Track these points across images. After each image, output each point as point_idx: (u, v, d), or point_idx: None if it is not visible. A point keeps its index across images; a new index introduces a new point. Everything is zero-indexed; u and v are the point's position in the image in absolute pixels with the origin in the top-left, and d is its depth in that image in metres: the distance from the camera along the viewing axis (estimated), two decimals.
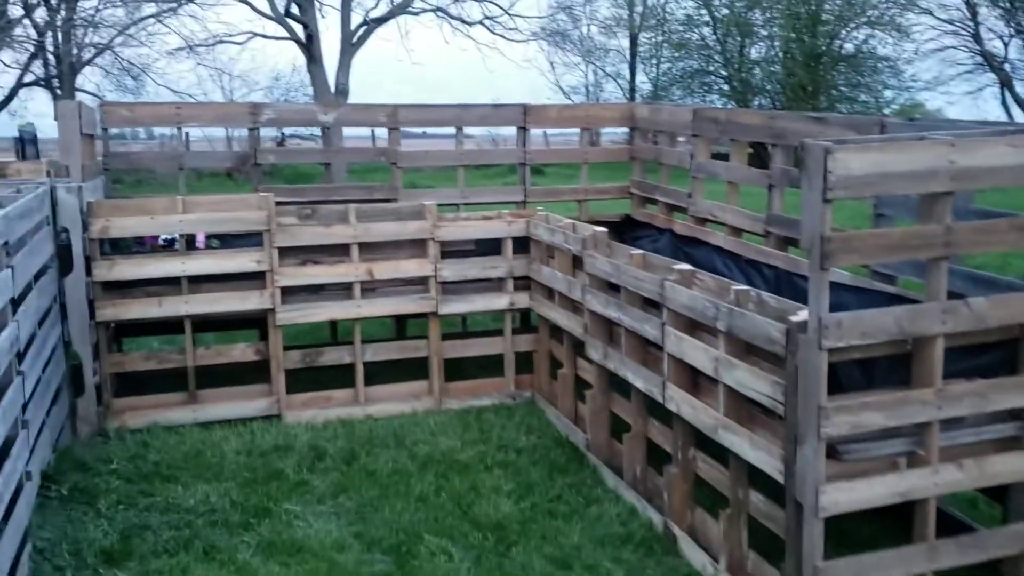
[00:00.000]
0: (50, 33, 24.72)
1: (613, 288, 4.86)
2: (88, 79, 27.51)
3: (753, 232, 5.70)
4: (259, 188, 6.57)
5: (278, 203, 6.34)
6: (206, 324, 6.00)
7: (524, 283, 6.13)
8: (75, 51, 25.00)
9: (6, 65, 26.76)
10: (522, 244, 6.10)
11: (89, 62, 26.12)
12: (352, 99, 19.99)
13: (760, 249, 5.48)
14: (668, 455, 4.41)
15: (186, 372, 5.60)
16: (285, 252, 5.68)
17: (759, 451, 3.51)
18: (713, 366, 3.78)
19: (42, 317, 4.75)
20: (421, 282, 6.00)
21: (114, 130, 6.31)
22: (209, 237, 5.83)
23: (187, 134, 14.44)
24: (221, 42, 24.28)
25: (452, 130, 7.07)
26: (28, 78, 26.96)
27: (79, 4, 24.32)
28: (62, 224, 5.15)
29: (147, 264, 5.42)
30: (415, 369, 6.21)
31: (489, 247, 6.15)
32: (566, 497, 4.74)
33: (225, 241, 5.87)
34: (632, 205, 7.44)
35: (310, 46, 19.94)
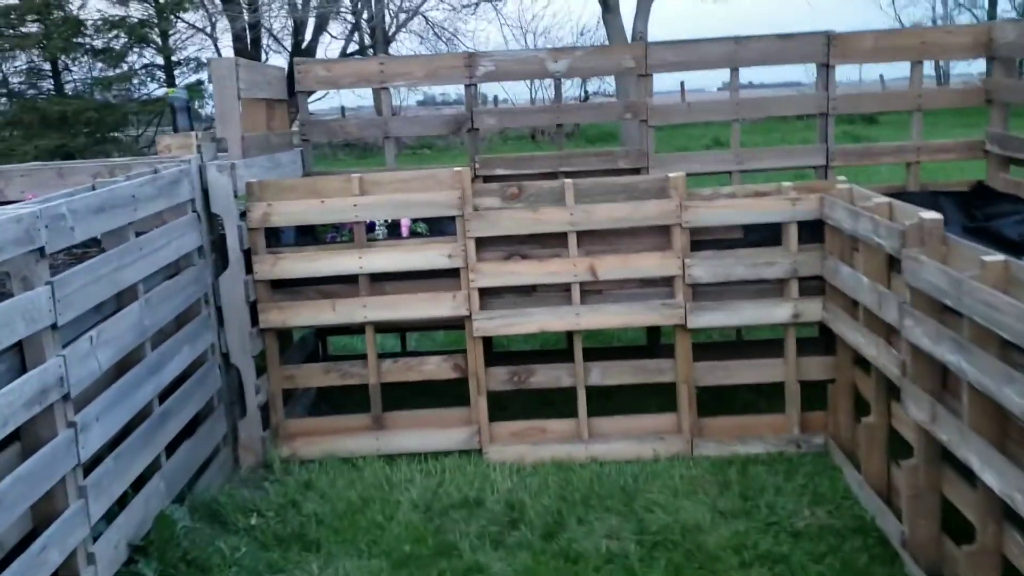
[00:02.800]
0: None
1: (951, 312, 3.00)
2: (403, 45, 28.37)
3: None
4: (476, 160, 5.31)
5: (489, 179, 5.07)
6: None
7: (816, 285, 4.32)
8: (389, 17, 25.78)
9: (332, 36, 28.35)
10: (813, 231, 4.29)
11: (401, 28, 26.85)
12: None
13: None
14: None
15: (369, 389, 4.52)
16: (484, 244, 4.37)
17: None
18: None
19: (175, 326, 3.85)
20: (664, 284, 4.41)
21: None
22: (415, 221, 4.67)
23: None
24: None
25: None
26: (352, 47, 28.40)
27: None
28: (215, 210, 4.22)
29: (318, 259, 4.37)
30: (660, 395, 4.66)
31: (764, 235, 4.41)
32: None
33: (435, 227, 4.68)
34: (988, 168, 5.23)
35: None
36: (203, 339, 4.13)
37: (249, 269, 4.34)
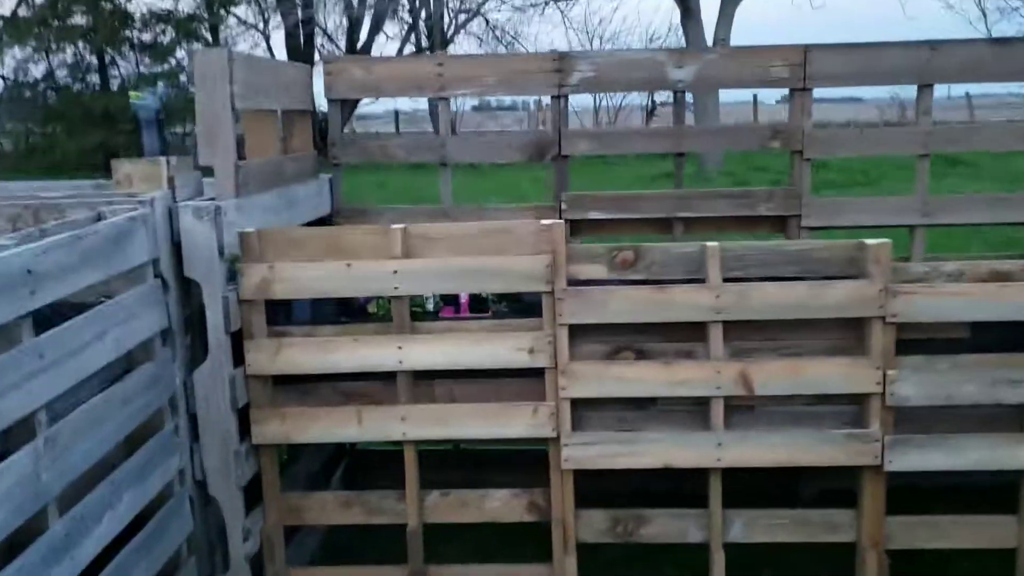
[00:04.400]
0: None
1: None
2: (460, 47, 27.03)
3: None
4: (562, 198, 3.91)
5: (577, 224, 3.71)
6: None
7: None
8: (449, 17, 24.49)
9: (387, 36, 27.15)
10: None
11: (461, 28, 25.53)
12: None
13: None
14: None
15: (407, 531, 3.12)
16: (581, 332, 2.97)
17: None
18: None
19: (123, 453, 2.52)
20: (851, 402, 2.96)
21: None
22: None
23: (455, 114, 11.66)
24: None
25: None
26: (408, 49, 27.17)
27: None
28: (191, 274, 2.87)
29: (340, 347, 2.98)
30: (821, 555, 3.20)
31: (999, 337, 2.94)
32: None
33: (510, 298, 3.30)
34: None
35: None
36: (166, 467, 2.78)
37: (239, 360, 2.98)
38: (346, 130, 22.81)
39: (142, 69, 22.45)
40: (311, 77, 3.88)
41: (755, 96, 25.05)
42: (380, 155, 4.05)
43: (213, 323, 2.90)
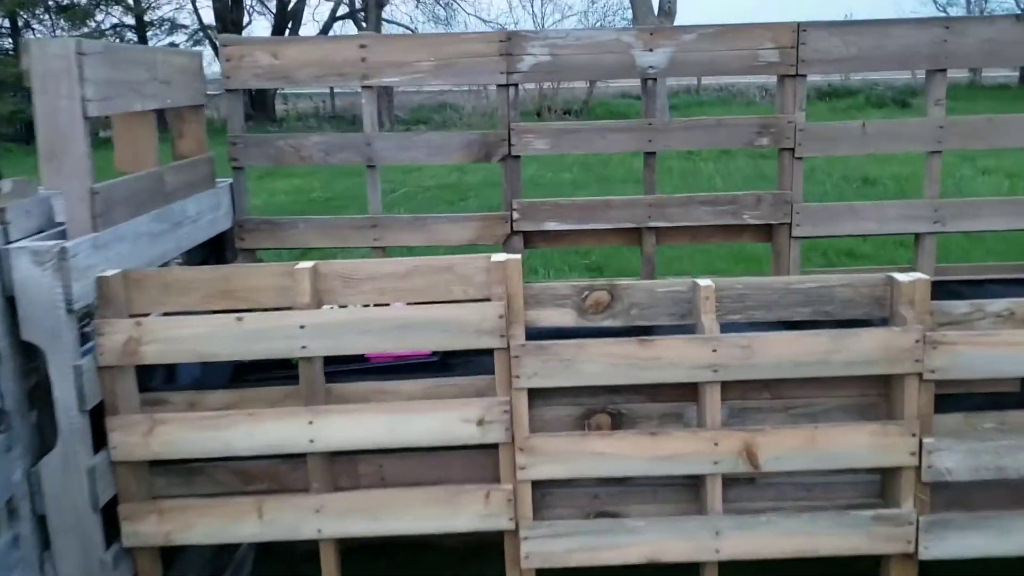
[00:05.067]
0: None
1: None
2: (397, 8, 25.93)
3: None
4: (514, 207, 3.26)
5: (531, 236, 3.10)
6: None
7: None
8: None
9: None
10: None
11: None
12: (680, 20, 16.02)
13: None
14: None
15: None
16: (544, 395, 2.35)
17: None
18: None
19: None
20: (870, 470, 2.40)
21: None
22: None
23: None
24: None
25: None
26: (342, 10, 25.99)
27: None
28: (29, 338, 2.17)
29: (235, 424, 2.31)
30: None
31: None
32: None
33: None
34: None
35: None
36: None
37: (101, 442, 2.30)
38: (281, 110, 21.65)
39: (58, 33, 21.09)
40: (201, 65, 3.15)
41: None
42: (293, 157, 3.34)
43: (63, 400, 2.21)
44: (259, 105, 21.61)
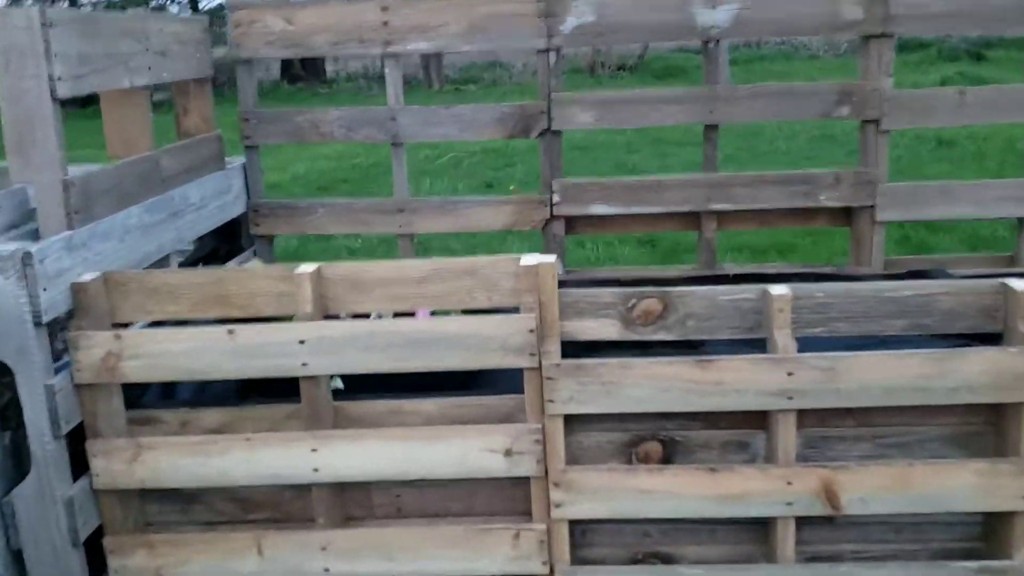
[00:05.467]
0: None
1: None
2: None
3: None
4: (553, 188, 2.90)
5: (573, 221, 2.76)
6: None
7: None
8: None
9: None
10: None
11: None
12: None
13: None
14: None
15: None
16: (581, 422, 2.01)
17: None
18: None
19: None
20: (976, 515, 2.02)
21: None
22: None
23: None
24: None
25: None
26: None
27: None
28: None
29: (229, 449, 2.02)
30: None
31: None
32: None
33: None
34: None
35: None
36: None
37: (82, 468, 2.03)
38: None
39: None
40: (204, 32, 2.83)
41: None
42: (312, 134, 3.01)
43: (34, 424, 1.94)
44: (309, 65, 21.26)
